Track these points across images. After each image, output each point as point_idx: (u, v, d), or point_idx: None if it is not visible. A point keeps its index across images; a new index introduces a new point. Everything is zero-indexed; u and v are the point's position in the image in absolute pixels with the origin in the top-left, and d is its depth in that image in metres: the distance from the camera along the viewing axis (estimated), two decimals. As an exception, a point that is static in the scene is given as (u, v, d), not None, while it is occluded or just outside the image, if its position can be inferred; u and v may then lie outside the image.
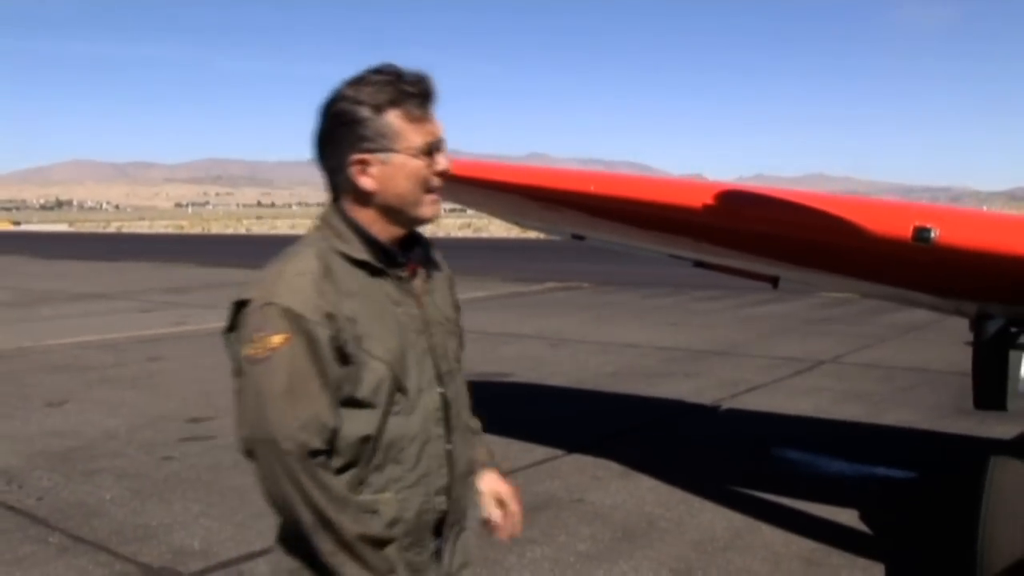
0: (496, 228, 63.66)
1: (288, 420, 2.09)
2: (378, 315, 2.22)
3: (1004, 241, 4.75)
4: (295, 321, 2.11)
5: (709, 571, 5.37)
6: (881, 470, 7.40)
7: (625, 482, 7.12)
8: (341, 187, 2.28)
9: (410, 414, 2.26)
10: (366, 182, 2.22)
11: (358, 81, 2.22)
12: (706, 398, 10.12)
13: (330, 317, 2.14)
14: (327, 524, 2.10)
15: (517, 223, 9.66)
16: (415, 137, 2.21)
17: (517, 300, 21.80)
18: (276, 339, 2.11)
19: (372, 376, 2.19)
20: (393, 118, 2.20)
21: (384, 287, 2.27)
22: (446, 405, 2.35)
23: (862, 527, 6.08)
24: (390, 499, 2.23)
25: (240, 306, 2.21)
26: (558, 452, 7.97)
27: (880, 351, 13.33)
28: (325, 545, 2.11)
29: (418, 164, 2.23)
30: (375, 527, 2.17)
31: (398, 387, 2.23)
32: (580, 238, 8.06)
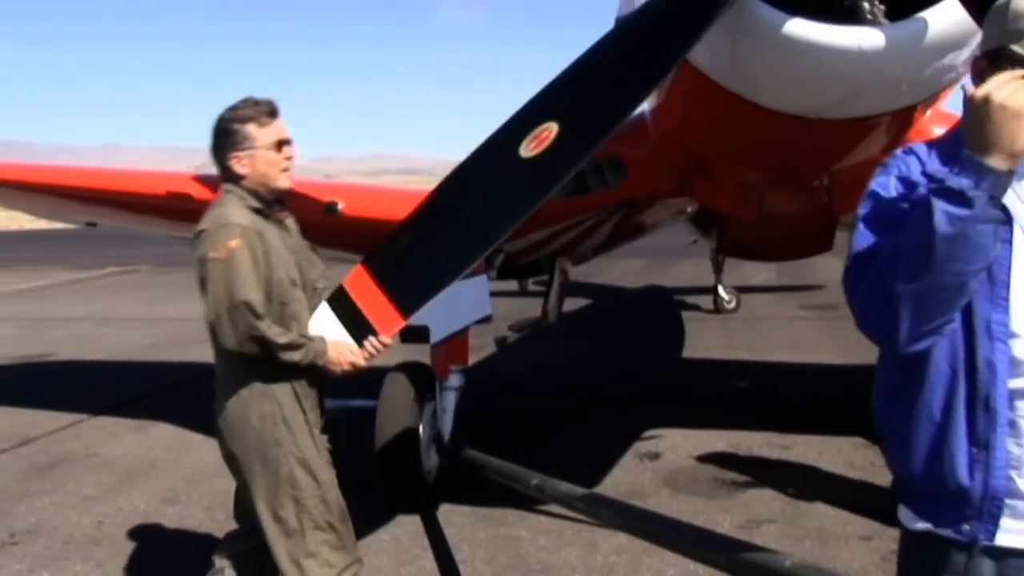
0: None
1: (249, 291, 3.49)
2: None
3: (389, 210, 6.25)
4: (244, 232, 3.55)
5: (192, 497, 6.48)
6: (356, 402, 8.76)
7: (138, 435, 8.11)
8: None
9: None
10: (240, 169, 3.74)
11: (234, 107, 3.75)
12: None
13: (259, 234, 3.60)
14: (269, 341, 3.53)
15: (32, 214, 10.27)
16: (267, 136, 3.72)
17: (76, 286, 21.77)
18: (233, 243, 3.51)
19: (274, 273, 3.65)
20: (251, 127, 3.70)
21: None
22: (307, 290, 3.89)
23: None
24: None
25: (199, 232, 3.60)
26: (83, 416, 8.79)
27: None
28: (272, 351, 3.54)
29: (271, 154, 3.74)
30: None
31: (292, 281, 3.75)
32: (93, 224, 8.86)
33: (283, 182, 3.79)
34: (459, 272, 3.66)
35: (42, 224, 47.83)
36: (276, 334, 3.56)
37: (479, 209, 3.55)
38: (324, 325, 3.74)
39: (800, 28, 3.38)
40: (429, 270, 3.67)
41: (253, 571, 4.00)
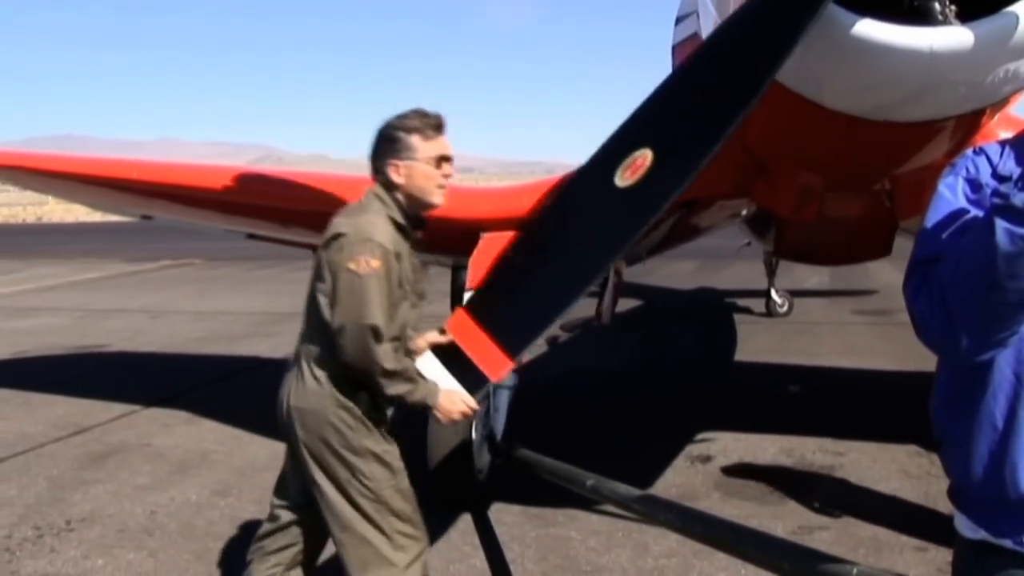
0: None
1: (378, 315, 3.51)
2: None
3: (446, 207, 6.23)
4: (386, 255, 3.57)
5: (243, 489, 6.53)
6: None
7: (189, 427, 8.19)
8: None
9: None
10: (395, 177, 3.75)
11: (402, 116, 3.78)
12: (280, 353, 11.29)
13: (398, 256, 3.63)
14: (387, 372, 3.55)
15: (92, 207, 10.42)
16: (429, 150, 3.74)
17: (130, 279, 22.07)
18: (375, 263, 3.52)
19: (400, 293, 3.68)
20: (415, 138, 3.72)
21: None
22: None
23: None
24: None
25: (339, 236, 3.59)
26: (136, 407, 8.90)
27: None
28: (384, 381, 3.56)
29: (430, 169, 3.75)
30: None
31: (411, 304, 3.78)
32: (148, 218, 8.97)
33: (437, 198, 3.81)
34: (563, 309, 3.57)
35: (97, 217, 48.78)
36: (392, 361, 3.58)
37: (578, 243, 3.47)
38: (432, 371, 3.69)
39: (870, 29, 3.32)
40: (532, 309, 3.61)
41: (296, 563, 4.01)
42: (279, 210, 6.56)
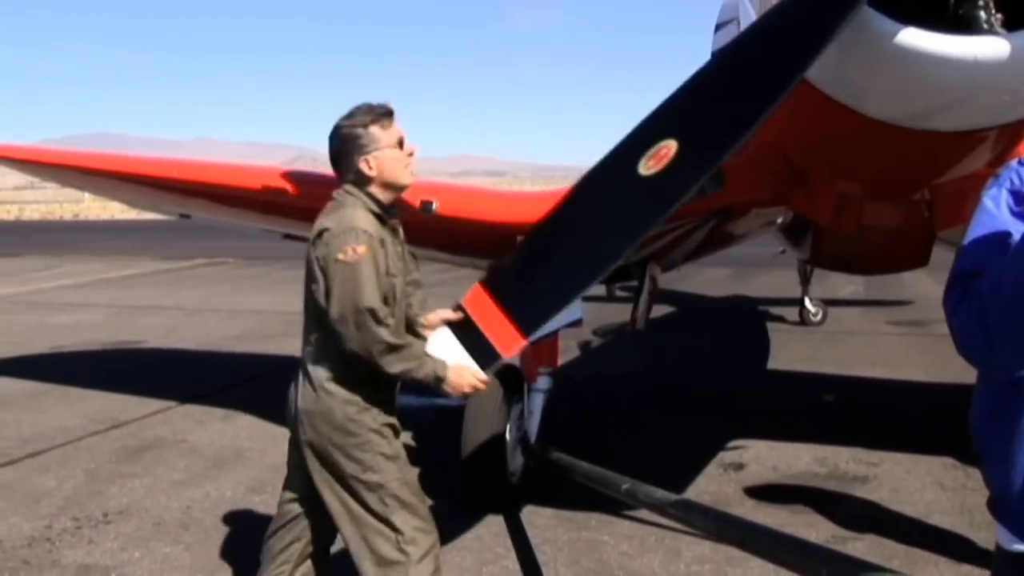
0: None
1: (373, 298, 3.57)
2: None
3: (482, 210, 6.28)
4: (370, 239, 3.64)
5: (278, 487, 6.56)
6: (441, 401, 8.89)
7: (224, 424, 8.27)
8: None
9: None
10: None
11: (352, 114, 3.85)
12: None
13: (382, 242, 3.72)
14: (392, 348, 3.58)
15: (131, 205, 10.53)
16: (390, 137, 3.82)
17: (165, 276, 22.33)
18: (360, 248, 3.60)
19: (388, 280, 3.74)
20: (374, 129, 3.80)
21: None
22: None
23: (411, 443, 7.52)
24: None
25: (323, 231, 3.68)
26: (172, 403, 9.00)
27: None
28: (389, 358, 3.58)
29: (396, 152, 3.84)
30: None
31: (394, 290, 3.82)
32: (187, 216, 9.04)
33: (408, 178, 3.92)
34: (580, 291, 3.67)
35: (132, 215, 49.27)
36: (394, 336, 3.63)
37: (598, 228, 3.53)
38: (443, 347, 3.74)
39: (914, 38, 3.33)
40: (549, 289, 3.66)
41: (304, 558, 4.05)
42: (318, 211, 6.59)
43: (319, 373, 3.78)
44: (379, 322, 3.59)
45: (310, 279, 3.75)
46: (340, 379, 3.74)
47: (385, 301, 3.70)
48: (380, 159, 3.81)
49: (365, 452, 3.76)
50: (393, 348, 3.61)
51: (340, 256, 3.61)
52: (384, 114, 3.87)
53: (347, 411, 3.73)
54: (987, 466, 2.30)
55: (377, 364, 3.63)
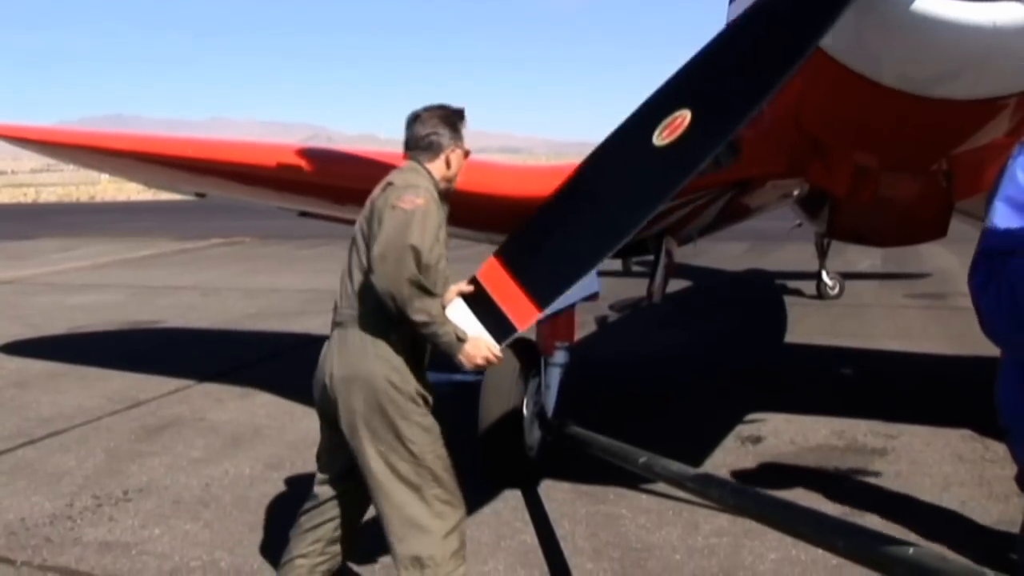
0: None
1: (423, 239, 3.62)
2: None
3: (499, 184, 6.26)
4: (430, 196, 3.76)
5: (296, 463, 6.60)
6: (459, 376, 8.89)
7: (242, 402, 8.31)
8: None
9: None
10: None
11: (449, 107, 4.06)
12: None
13: (437, 201, 3.83)
14: (422, 289, 3.61)
15: (147, 184, 10.54)
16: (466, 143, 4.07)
17: (182, 256, 22.36)
18: (420, 200, 3.69)
19: (439, 248, 3.80)
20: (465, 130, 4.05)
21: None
22: None
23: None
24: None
25: (388, 185, 3.83)
26: (190, 382, 9.04)
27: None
28: (417, 303, 3.61)
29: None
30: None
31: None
32: (202, 195, 9.06)
33: (454, 183, 4.14)
34: (595, 262, 3.68)
35: (149, 195, 49.48)
36: (424, 279, 3.66)
37: (613, 198, 3.55)
38: (459, 320, 3.75)
39: (931, 4, 3.29)
40: (564, 260, 3.67)
41: (335, 536, 4.12)
42: (334, 188, 6.60)
43: (363, 339, 3.83)
44: (419, 262, 3.61)
45: (367, 233, 3.83)
46: (382, 345, 3.81)
47: (428, 268, 3.71)
48: (459, 157, 4.03)
49: (403, 420, 3.82)
50: (423, 290, 3.63)
51: (398, 203, 3.71)
52: (463, 120, 4.09)
53: (391, 376, 3.80)
54: (1015, 442, 2.29)
55: (404, 308, 3.63)
